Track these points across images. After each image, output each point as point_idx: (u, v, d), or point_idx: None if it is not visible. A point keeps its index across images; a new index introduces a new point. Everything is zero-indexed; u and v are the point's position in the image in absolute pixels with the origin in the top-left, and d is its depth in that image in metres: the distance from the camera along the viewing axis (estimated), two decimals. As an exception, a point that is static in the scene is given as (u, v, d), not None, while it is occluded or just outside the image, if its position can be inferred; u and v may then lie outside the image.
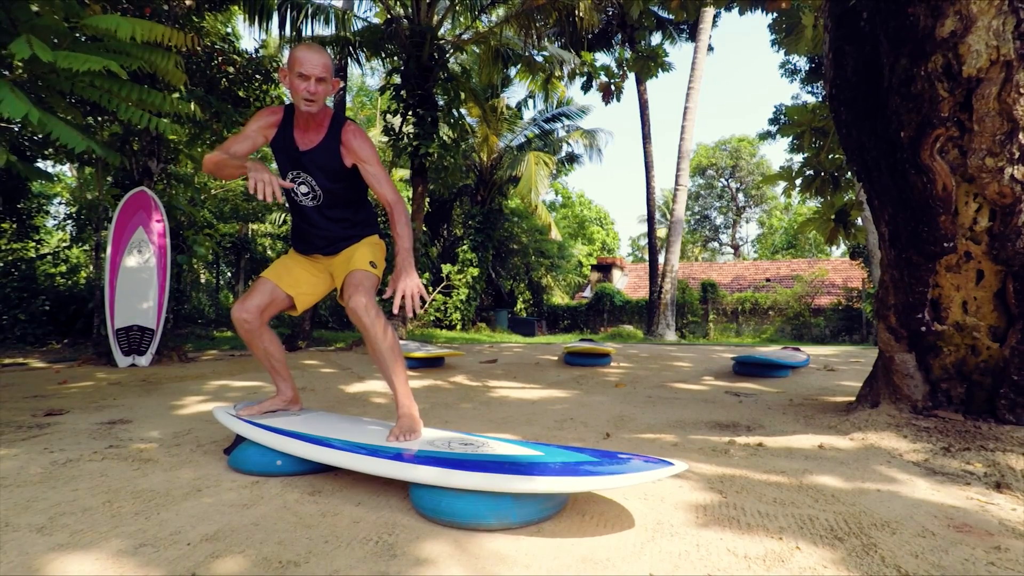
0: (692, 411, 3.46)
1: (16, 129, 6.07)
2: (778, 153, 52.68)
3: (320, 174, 2.21)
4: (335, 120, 2.22)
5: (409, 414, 2.10)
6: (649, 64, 9.46)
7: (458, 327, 16.07)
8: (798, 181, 6.34)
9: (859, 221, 9.85)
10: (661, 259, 16.29)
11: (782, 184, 6.43)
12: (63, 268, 11.05)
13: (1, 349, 7.98)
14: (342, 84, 11.14)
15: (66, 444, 2.65)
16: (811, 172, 6.21)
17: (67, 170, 16.85)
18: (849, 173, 5.99)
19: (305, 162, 2.20)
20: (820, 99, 15.65)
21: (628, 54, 10.62)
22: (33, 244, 10.53)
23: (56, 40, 2.78)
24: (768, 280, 21.57)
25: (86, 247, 12.34)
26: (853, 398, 3.31)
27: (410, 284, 1.95)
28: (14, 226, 9.96)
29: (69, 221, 12.74)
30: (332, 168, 2.21)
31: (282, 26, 9.66)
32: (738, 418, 3.19)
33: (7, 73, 2.68)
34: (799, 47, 5.85)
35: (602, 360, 5.88)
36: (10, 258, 9.84)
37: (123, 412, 3.43)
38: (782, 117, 16.91)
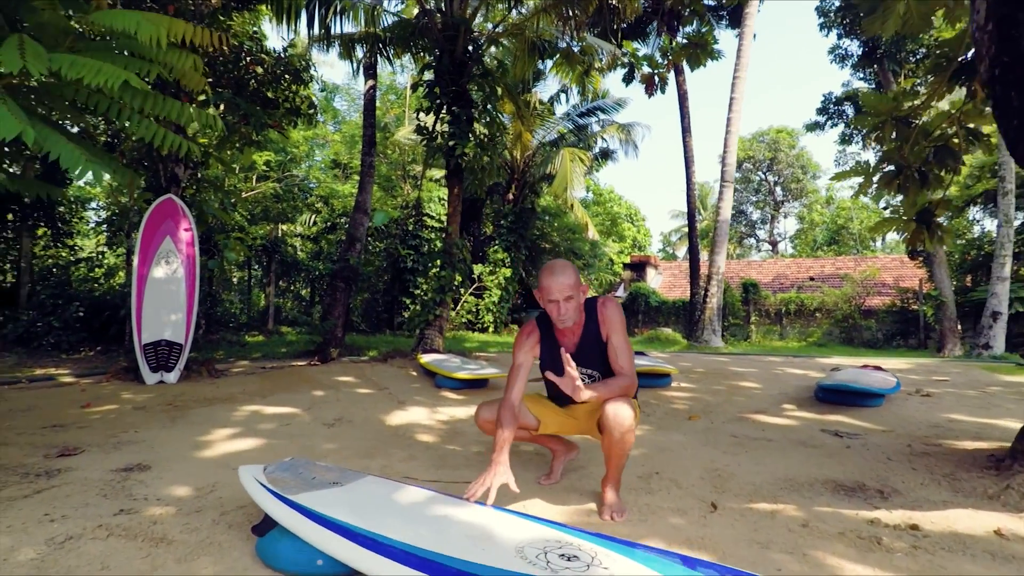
0: (797, 462, 2.93)
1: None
2: (822, 145, 50.65)
3: (597, 362, 2.33)
4: (588, 304, 2.34)
5: (618, 494, 2.32)
6: (697, 52, 8.85)
7: (490, 329, 15.64)
8: (875, 177, 5.72)
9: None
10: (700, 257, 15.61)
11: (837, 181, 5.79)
12: (98, 273, 10.93)
13: (34, 357, 7.80)
14: (373, 83, 10.76)
15: (72, 506, 2.27)
16: (892, 168, 5.57)
17: (106, 175, 16.84)
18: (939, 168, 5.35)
19: (578, 360, 2.28)
20: (873, 86, 14.75)
21: (674, 42, 9.98)
22: (67, 250, 10.43)
23: (57, 40, 2.38)
24: (812, 279, 20.61)
25: (120, 251, 12.25)
26: (981, 442, 2.76)
27: (574, 379, 2.01)
28: (48, 232, 9.87)
29: (104, 226, 12.66)
30: (601, 348, 2.32)
31: (310, 24, 9.30)
32: (859, 475, 2.66)
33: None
34: (886, 26, 5.21)
35: (662, 381, 5.36)
36: (48, 262, 9.74)
37: (143, 452, 3.06)
38: (831, 106, 16.03)
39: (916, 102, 5.42)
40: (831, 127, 16.46)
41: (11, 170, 9.08)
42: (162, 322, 5.69)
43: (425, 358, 6.00)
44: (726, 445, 3.32)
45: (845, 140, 16.83)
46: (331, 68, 33.17)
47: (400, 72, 21.66)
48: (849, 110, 16.14)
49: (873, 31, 5.59)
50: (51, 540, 1.95)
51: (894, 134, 5.56)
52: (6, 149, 7.38)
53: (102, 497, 2.39)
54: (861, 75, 15.39)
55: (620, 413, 2.10)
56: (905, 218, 5.56)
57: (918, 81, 12.16)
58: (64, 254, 10.19)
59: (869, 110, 5.67)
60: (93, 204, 16.17)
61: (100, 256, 11.25)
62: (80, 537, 1.98)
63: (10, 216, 9.01)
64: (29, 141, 2.01)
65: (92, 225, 14.25)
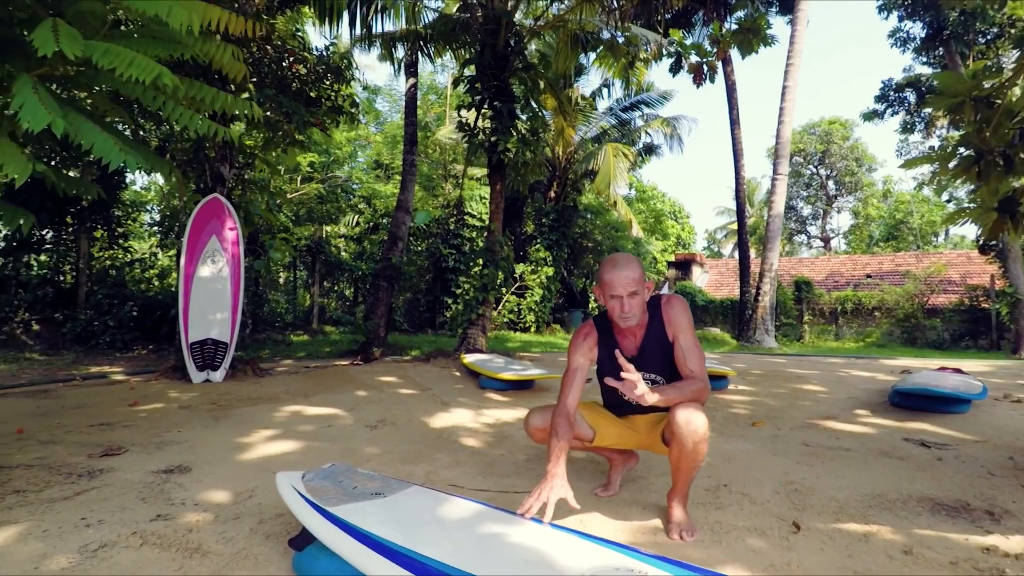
0: (884, 475, 2.64)
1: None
2: (879, 136, 47.95)
3: (661, 365, 2.14)
4: (651, 303, 2.15)
5: (687, 511, 2.08)
6: (750, 38, 8.46)
7: (532, 329, 15.46)
8: (952, 164, 5.29)
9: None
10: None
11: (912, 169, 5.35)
12: (151, 274, 11.21)
13: (91, 356, 8.02)
14: (414, 81, 10.70)
15: (109, 510, 2.19)
16: (970, 152, 5.14)
17: (160, 178, 17.35)
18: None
19: (641, 364, 2.11)
20: (938, 70, 13.91)
21: (725, 30, 9.62)
22: (122, 251, 10.71)
23: (96, 30, 2.31)
24: (869, 276, 19.63)
25: (173, 252, 12.55)
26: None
27: (635, 383, 1.84)
28: (105, 234, 10.15)
29: (156, 227, 13.01)
30: (668, 351, 2.11)
31: (352, 24, 9.29)
32: (960, 492, 2.36)
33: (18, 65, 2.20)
34: None
35: (719, 383, 5.05)
36: (107, 263, 10.02)
37: (184, 453, 2.99)
38: (891, 93, 15.21)
39: (998, 80, 4.97)
40: (891, 115, 15.63)
41: (71, 173, 9.38)
42: (208, 321, 5.72)
43: (469, 358, 5.86)
44: (798, 455, 3.04)
45: (907, 128, 15.96)
46: (373, 71, 33.56)
47: (440, 72, 21.71)
48: (911, 96, 15.31)
49: (951, 4, 5.17)
50: (84, 548, 1.87)
51: (974, 116, 5.12)
52: (65, 153, 7.51)
53: (140, 501, 2.31)
54: (924, 59, 14.54)
55: (693, 420, 1.87)
56: (984, 207, 5.13)
57: (989, 63, 11.36)
58: (119, 255, 10.46)
59: (945, 90, 5.23)
60: (149, 208, 16.74)
61: (153, 257, 11.55)
62: (114, 545, 1.89)
63: (69, 219, 9.29)
64: (57, 132, 1.92)
65: (146, 227, 14.66)
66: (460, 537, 1.57)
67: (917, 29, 13.61)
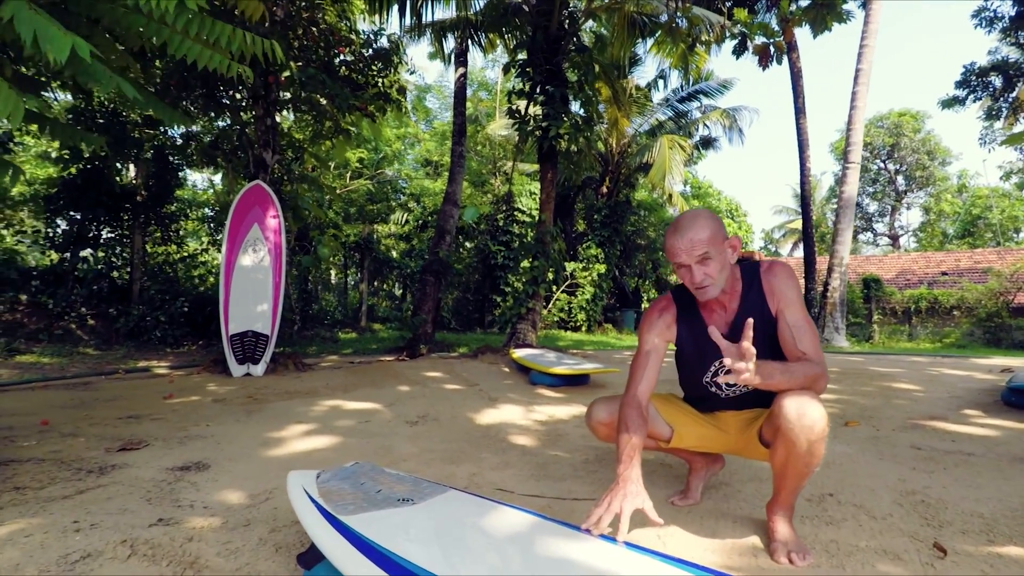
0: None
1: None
2: (954, 127, 44.75)
3: (759, 346, 1.57)
4: (747, 270, 1.71)
5: (792, 526, 1.65)
6: (824, 14, 7.81)
7: (583, 328, 14.96)
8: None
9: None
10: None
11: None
12: (202, 270, 11.31)
13: (142, 351, 8.05)
14: (463, 71, 10.42)
15: (107, 512, 1.90)
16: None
17: (219, 180, 17.66)
18: None
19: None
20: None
21: (795, 6, 8.95)
22: (175, 247, 10.84)
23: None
24: (945, 274, 18.24)
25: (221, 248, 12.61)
26: None
27: (745, 365, 1.38)
28: (158, 230, 10.28)
29: (208, 224, 13.15)
30: (769, 330, 1.66)
31: (402, 13, 9.09)
32: None
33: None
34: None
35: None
36: (160, 260, 10.14)
37: (207, 448, 2.72)
38: (974, 78, 14.00)
39: None
40: (973, 101, 14.39)
41: (129, 167, 9.49)
42: (249, 313, 5.53)
43: (518, 353, 5.48)
44: (912, 460, 2.52)
45: (991, 115, 14.68)
46: (423, 71, 33.74)
47: (491, 67, 21.51)
48: (996, 81, 14.05)
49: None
50: (64, 558, 1.57)
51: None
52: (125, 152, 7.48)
53: (145, 502, 2.01)
54: (1012, 40, 13.32)
55: (808, 412, 1.42)
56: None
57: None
58: (172, 250, 10.57)
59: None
60: (206, 206, 17.08)
61: (205, 252, 11.67)
62: (99, 556, 1.58)
63: (124, 215, 9.41)
64: (84, 54, 1.64)
65: (197, 223, 14.87)
66: (509, 560, 1.17)
67: (1006, 7, 12.45)
